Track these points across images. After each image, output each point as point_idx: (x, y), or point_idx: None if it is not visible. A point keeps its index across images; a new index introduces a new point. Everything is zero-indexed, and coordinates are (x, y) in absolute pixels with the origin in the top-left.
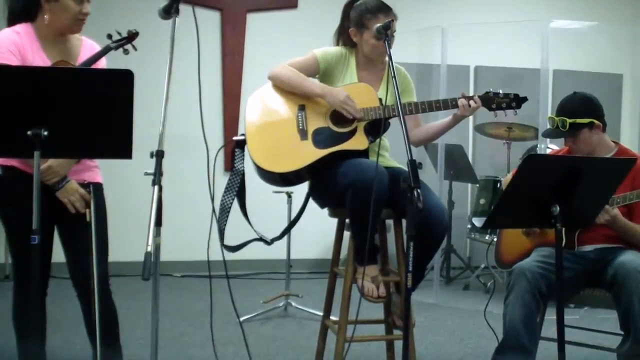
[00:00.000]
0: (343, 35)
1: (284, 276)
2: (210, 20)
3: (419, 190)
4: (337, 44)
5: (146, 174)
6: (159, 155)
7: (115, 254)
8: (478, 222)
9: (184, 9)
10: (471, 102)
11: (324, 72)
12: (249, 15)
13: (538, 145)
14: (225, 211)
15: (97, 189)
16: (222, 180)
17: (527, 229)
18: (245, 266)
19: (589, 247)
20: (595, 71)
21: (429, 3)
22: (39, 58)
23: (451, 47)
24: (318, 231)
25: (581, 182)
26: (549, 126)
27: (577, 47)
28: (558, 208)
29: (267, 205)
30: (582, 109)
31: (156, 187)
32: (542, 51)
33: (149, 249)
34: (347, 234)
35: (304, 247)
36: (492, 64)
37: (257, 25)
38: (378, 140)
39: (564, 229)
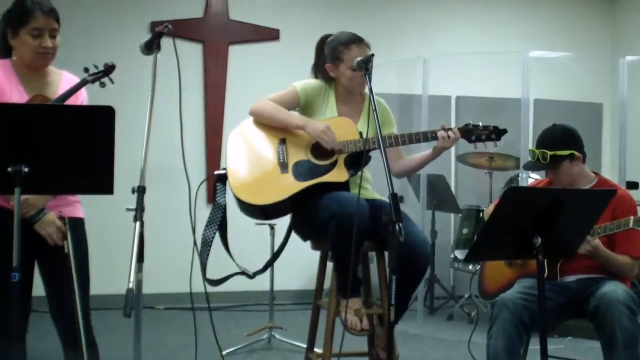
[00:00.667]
0: (320, 72)
1: (268, 308)
2: (192, 52)
3: (400, 224)
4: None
5: (127, 209)
6: (140, 191)
7: (98, 287)
8: (460, 254)
9: (165, 41)
10: (450, 133)
11: (304, 105)
12: (231, 47)
13: (520, 175)
14: (207, 245)
15: (78, 224)
16: (204, 212)
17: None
18: (228, 298)
19: (571, 278)
20: (576, 100)
21: (410, 34)
22: (17, 92)
23: (433, 77)
24: (301, 262)
25: (562, 214)
26: (529, 158)
27: (557, 76)
28: (540, 239)
29: (250, 237)
30: (562, 141)
31: (138, 223)
32: (522, 81)
33: (131, 285)
34: (330, 266)
35: (287, 278)
36: (473, 94)
37: (239, 57)
38: (360, 172)
39: (545, 260)
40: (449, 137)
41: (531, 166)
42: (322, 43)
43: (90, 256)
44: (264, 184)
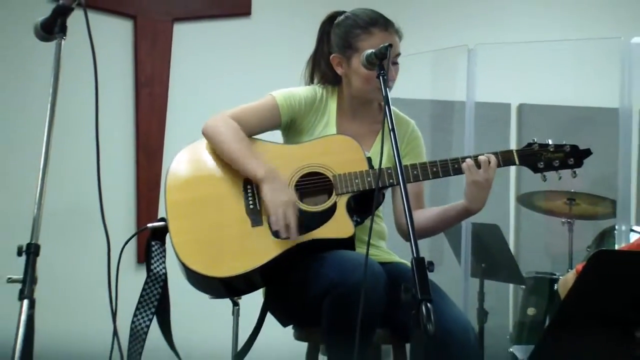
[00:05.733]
0: (319, 67)
1: None
2: (118, 34)
3: (429, 305)
4: (311, 81)
5: (10, 280)
6: (31, 251)
7: None
8: (521, 352)
9: (76, 18)
10: (482, 158)
11: (287, 125)
12: (177, 26)
13: (617, 227)
14: (138, 339)
15: None
16: (134, 279)
17: None
18: None
19: None
20: None
21: (448, 14)
22: None
23: (482, 75)
24: (279, 357)
25: None
26: None
27: None
28: None
29: (204, 319)
30: None
31: (25, 302)
32: (621, 82)
33: None
34: None
35: None
36: (545, 101)
37: (190, 41)
38: (369, 221)
39: None
40: (477, 166)
41: None
42: (329, 24)
43: None
44: (227, 245)
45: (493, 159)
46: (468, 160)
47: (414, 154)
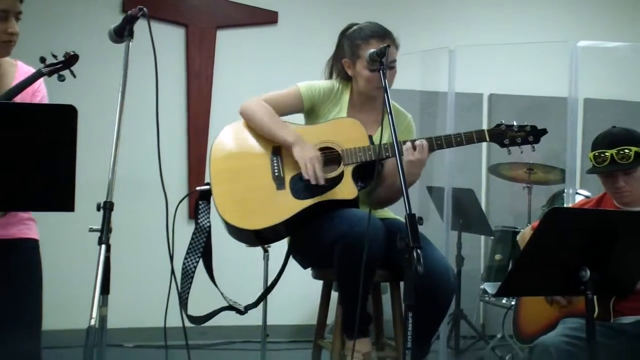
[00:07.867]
0: (337, 67)
1: (259, 346)
2: (173, 38)
3: (419, 251)
4: (330, 77)
5: (91, 230)
6: (107, 207)
7: (54, 321)
8: (491, 287)
9: (140, 25)
10: (416, 143)
11: (308, 110)
12: (219, 32)
13: (565, 190)
14: (188, 276)
15: (31, 247)
16: (185, 230)
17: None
18: (211, 334)
19: (628, 319)
20: (636, 100)
21: (434, 20)
22: None
23: (460, 71)
24: (300, 293)
25: (617, 242)
26: (594, 164)
27: (612, 72)
28: (589, 272)
29: (239, 263)
30: (637, 139)
31: (103, 247)
32: (569, 77)
33: (93, 322)
34: (334, 298)
35: (283, 312)
36: (510, 92)
37: (229, 44)
38: (372, 185)
39: (596, 297)
40: (414, 148)
41: (607, 168)
42: (344, 34)
43: (44, 285)
44: (257, 204)
45: (425, 143)
46: (407, 143)
47: (406, 134)
